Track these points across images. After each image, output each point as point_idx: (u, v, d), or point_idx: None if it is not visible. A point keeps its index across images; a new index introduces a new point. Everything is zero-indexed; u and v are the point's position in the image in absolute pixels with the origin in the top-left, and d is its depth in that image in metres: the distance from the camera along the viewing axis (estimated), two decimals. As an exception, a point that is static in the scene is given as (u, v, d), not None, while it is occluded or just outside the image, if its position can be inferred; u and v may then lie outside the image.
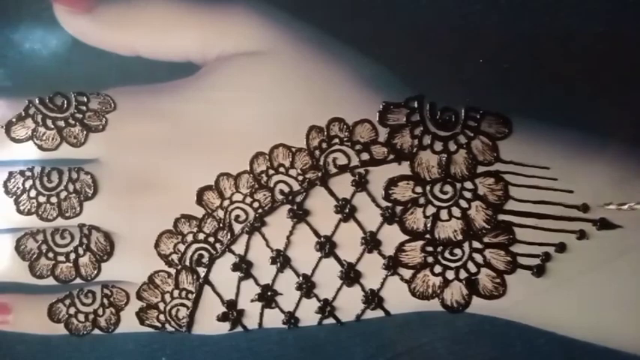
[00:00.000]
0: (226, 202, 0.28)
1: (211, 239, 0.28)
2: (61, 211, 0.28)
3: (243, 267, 0.28)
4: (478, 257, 0.27)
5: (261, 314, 0.28)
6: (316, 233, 0.27)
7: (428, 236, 0.27)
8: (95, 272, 0.28)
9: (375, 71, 0.28)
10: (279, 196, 0.27)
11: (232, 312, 0.28)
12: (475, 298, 0.27)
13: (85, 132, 0.28)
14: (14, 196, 0.28)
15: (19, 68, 0.31)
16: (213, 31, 0.28)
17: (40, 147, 0.28)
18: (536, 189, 0.27)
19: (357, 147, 0.27)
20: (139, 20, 0.28)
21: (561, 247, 0.27)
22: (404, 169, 0.27)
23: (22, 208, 0.28)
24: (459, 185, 0.27)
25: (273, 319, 0.28)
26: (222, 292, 0.28)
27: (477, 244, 0.27)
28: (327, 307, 0.28)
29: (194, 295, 0.28)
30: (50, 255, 0.28)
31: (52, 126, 0.28)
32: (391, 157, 0.27)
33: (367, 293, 0.28)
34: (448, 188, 0.27)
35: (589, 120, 0.29)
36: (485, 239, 0.27)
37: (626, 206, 0.25)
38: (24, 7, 0.32)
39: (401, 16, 0.31)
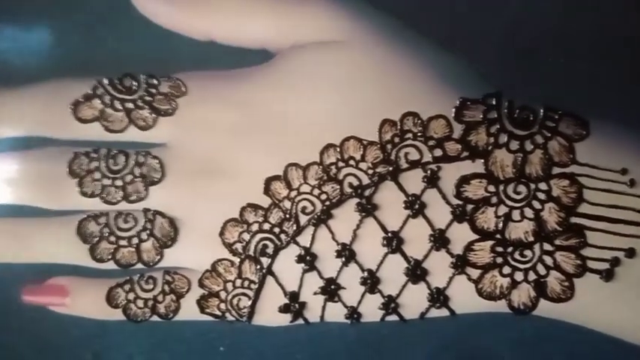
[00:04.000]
0: (294, 193, 0.27)
1: (276, 230, 0.27)
2: (126, 194, 0.27)
3: (308, 259, 0.27)
4: (548, 259, 0.27)
5: (324, 307, 0.28)
6: (384, 228, 0.27)
7: (498, 236, 0.26)
8: (157, 258, 0.28)
9: (452, 66, 0.27)
10: (348, 189, 0.27)
11: (294, 304, 0.28)
12: (542, 300, 0.27)
13: (153, 115, 0.27)
14: (78, 178, 0.28)
15: (87, 48, 0.31)
16: (289, 19, 0.27)
17: (106, 128, 0.27)
18: (610, 193, 0.26)
19: (431, 142, 0.27)
20: (215, 5, 0.27)
21: (631, 253, 0.26)
22: (477, 166, 0.26)
23: (85, 190, 0.28)
24: (532, 186, 0.26)
25: (336, 313, 0.28)
26: (285, 283, 0.28)
27: (547, 247, 0.27)
28: (391, 304, 0.27)
29: (256, 285, 0.28)
30: (112, 239, 0.28)
31: (121, 107, 0.27)
32: (465, 154, 0.26)
33: (433, 291, 0.27)
34: (522, 188, 0.26)
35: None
36: (557, 241, 0.26)
37: None
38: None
39: (482, 10, 0.31)
